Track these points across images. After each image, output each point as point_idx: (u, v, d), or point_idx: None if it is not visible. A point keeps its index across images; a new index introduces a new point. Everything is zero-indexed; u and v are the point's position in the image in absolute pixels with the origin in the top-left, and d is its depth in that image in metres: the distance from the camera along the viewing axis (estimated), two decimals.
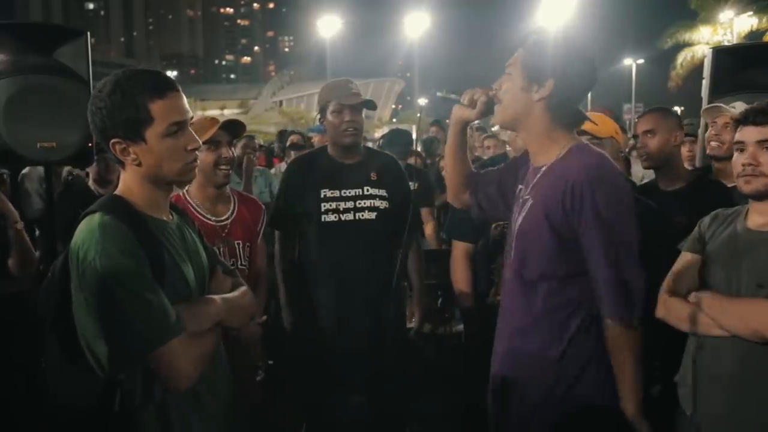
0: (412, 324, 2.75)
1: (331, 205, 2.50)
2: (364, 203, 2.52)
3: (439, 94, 2.07)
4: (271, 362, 2.57)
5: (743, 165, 1.64)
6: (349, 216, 2.50)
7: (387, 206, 2.54)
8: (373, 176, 2.55)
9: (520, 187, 1.74)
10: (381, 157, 2.70)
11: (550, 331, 1.59)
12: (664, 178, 2.48)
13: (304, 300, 2.56)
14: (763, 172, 1.61)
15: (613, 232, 1.51)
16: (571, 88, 1.59)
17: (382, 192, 2.55)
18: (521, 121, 1.64)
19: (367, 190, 2.54)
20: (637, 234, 1.55)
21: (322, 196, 2.50)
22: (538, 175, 1.63)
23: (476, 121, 1.93)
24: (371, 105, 2.62)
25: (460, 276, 2.62)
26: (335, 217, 2.50)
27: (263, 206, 2.48)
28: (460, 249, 2.64)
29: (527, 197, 1.65)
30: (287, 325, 2.65)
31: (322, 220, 2.49)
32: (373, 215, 2.51)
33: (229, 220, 2.32)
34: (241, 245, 2.32)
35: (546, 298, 1.59)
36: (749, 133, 1.63)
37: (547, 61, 1.57)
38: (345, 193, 2.52)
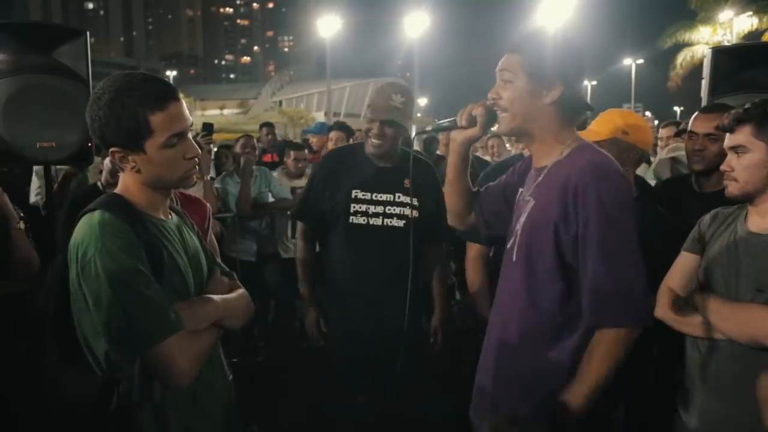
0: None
1: (360, 207, 2.46)
2: (394, 210, 2.47)
3: (428, 128, 2.00)
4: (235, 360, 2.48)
5: (723, 171, 1.70)
6: (377, 221, 2.46)
7: (416, 215, 2.47)
8: (407, 183, 2.46)
9: (520, 190, 1.72)
10: (417, 164, 2.56)
11: (554, 333, 1.56)
12: (709, 180, 2.39)
13: (320, 298, 2.54)
14: (735, 178, 1.66)
15: (614, 231, 1.47)
16: (577, 86, 1.60)
17: (414, 201, 2.48)
18: (529, 127, 1.61)
19: (399, 197, 2.48)
20: (637, 239, 1.50)
21: (352, 196, 2.46)
22: (541, 176, 1.61)
23: None
24: (396, 124, 2.44)
25: (474, 280, 2.51)
26: (363, 220, 2.46)
27: (208, 205, 2.40)
28: (474, 251, 2.53)
29: (528, 198, 1.62)
30: (310, 322, 2.58)
31: (350, 221, 2.45)
32: (401, 223, 2.46)
33: None
34: None
35: (551, 300, 1.55)
36: (726, 140, 1.69)
37: (553, 64, 1.54)
38: (376, 197, 2.47)
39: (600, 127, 2.21)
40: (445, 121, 1.80)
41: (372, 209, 2.46)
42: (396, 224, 2.47)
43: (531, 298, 1.58)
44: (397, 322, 2.41)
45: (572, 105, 1.61)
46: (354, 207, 2.46)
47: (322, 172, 2.60)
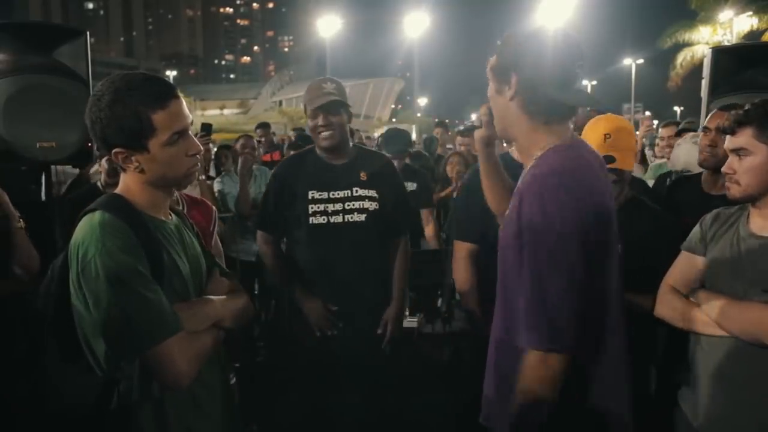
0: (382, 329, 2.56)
1: (319, 207, 2.47)
2: (354, 205, 2.48)
3: (461, 128, 2.07)
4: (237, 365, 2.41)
5: (724, 173, 1.70)
6: (338, 218, 2.47)
7: (377, 207, 2.49)
8: (363, 176, 2.51)
9: None
10: (372, 157, 2.64)
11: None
12: (718, 181, 2.36)
13: (293, 302, 2.54)
14: (737, 180, 1.65)
15: (542, 253, 1.35)
16: (537, 78, 1.43)
17: (372, 193, 2.50)
18: (507, 129, 1.54)
19: (356, 191, 2.49)
20: (582, 258, 1.33)
21: (309, 197, 2.47)
22: (518, 184, 1.55)
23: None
24: (337, 106, 2.44)
25: (462, 277, 2.53)
26: (324, 219, 2.46)
27: (214, 208, 2.40)
28: (463, 249, 2.54)
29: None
30: (318, 314, 2.49)
31: (310, 222, 2.46)
32: (362, 217, 2.47)
33: None
34: None
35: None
36: (727, 142, 1.70)
37: (508, 57, 1.47)
38: (333, 194, 2.48)
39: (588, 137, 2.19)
40: (475, 121, 1.86)
41: (331, 207, 2.47)
42: (357, 219, 2.48)
43: (511, 305, 1.49)
44: (374, 312, 2.39)
45: (536, 97, 1.45)
46: (312, 208, 2.47)
47: (276, 181, 2.61)
